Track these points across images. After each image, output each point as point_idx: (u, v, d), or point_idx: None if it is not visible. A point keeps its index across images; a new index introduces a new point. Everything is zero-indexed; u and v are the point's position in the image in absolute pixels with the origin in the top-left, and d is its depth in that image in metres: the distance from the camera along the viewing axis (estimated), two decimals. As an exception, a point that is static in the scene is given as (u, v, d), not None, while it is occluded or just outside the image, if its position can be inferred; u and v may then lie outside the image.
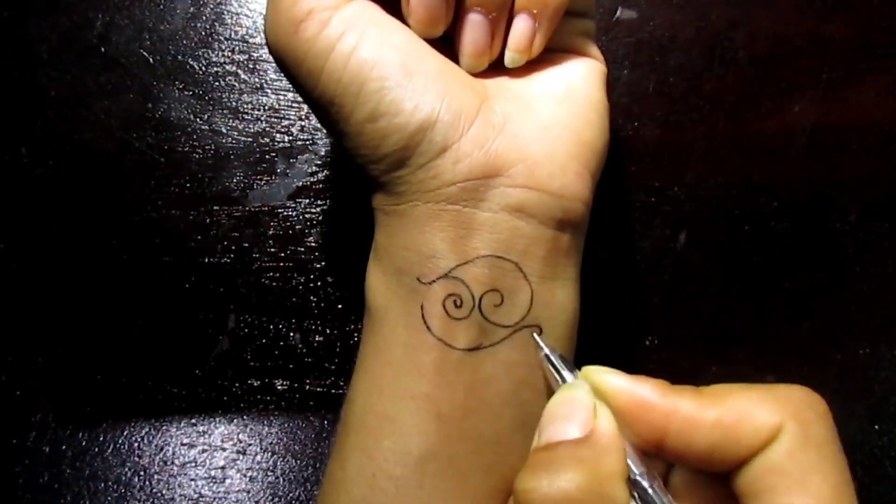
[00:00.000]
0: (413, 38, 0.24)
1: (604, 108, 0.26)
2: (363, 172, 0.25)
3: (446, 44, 0.26)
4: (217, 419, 0.34)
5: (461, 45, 0.25)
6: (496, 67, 0.27)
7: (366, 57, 0.23)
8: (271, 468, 0.34)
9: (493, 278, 0.24)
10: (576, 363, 0.33)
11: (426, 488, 0.23)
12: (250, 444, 0.34)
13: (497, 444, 0.24)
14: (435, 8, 0.24)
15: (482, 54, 0.25)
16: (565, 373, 0.23)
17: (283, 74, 0.25)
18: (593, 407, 0.21)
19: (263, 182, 0.35)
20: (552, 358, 0.23)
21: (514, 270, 0.24)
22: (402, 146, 0.23)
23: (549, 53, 0.27)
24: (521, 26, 0.25)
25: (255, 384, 0.34)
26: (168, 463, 0.34)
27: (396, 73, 0.23)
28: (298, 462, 0.34)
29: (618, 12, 0.36)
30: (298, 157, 0.35)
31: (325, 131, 0.35)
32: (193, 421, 0.34)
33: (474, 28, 0.25)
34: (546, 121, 0.25)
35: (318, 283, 0.35)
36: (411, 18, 0.25)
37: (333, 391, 0.34)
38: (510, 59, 0.26)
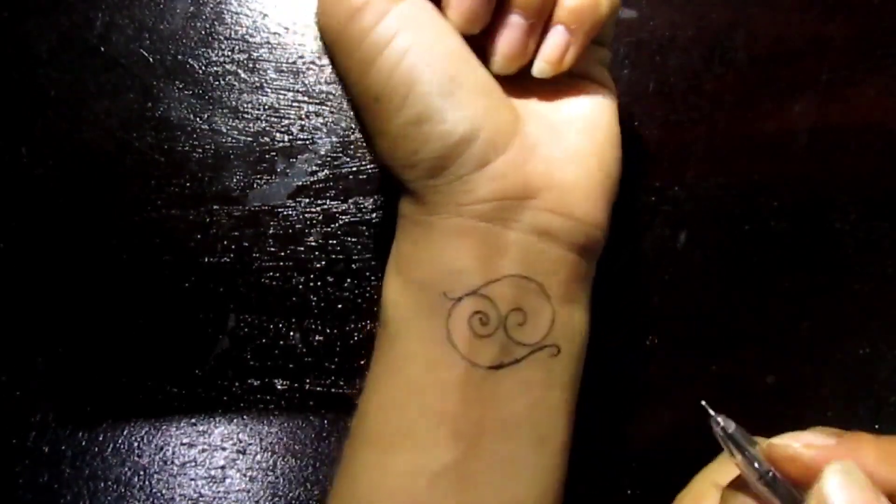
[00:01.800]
0: (463, 46, 0.24)
1: (619, 141, 0.27)
2: (394, 177, 0.25)
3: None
4: (217, 419, 0.34)
5: (496, 45, 0.25)
6: (523, 90, 0.27)
7: (418, 60, 0.23)
8: (271, 468, 0.34)
9: (519, 297, 0.24)
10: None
11: None
12: (250, 444, 0.34)
13: (511, 462, 0.24)
14: (478, 5, 0.24)
15: (516, 58, 0.25)
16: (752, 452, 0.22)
17: (329, 62, 0.25)
18: None
19: (263, 182, 0.35)
20: (737, 438, 0.22)
21: (538, 291, 0.24)
22: (441, 154, 0.23)
23: (571, 79, 0.27)
24: (556, 38, 0.25)
25: (255, 384, 0.34)
26: (168, 463, 0.34)
27: (445, 81, 0.23)
28: (298, 462, 0.34)
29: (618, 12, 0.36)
30: (298, 156, 0.35)
31: (325, 130, 0.35)
32: (193, 421, 0.34)
33: (512, 30, 0.24)
34: (573, 148, 0.25)
35: (318, 283, 0.35)
36: (451, 11, 0.24)
37: (333, 391, 0.34)
38: (539, 69, 0.25)
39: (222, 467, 0.34)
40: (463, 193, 0.24)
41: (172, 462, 0.34)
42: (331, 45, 0.24)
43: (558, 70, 0.25)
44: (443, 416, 0.23)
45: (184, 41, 0.36)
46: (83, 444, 0.34)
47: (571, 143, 0.25)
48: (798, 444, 0.20)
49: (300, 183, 0.35)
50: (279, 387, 0.34)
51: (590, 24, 0.24)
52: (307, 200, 0.35)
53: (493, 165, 0.23)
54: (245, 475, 0.34)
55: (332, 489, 0.26)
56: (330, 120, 0.35)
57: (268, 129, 0.35)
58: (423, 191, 0.24)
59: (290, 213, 0.35)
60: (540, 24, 0.25)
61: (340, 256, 0.35)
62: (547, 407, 0.24)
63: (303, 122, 0.35)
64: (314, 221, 0.35)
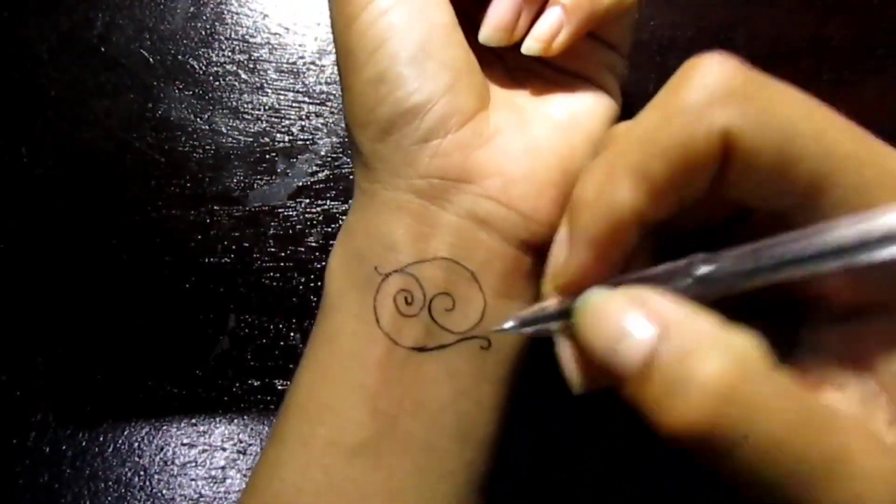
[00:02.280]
0: (448, 23, 0.24)
1: None
2: (351, 137, 0.25)
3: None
4: (217, 419, 0.34)
5: (487, 13, 0.25)
6: (511, 79, 0.26)
7: (394, 22, 0.23)
8: (271, 468, 0.34)
9: (448, 282, 0.24)
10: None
11: (354, 482, 0.23)
12: (251, 444, 0.34)
13: (429, 449, 0.23)
14: None
15: (504, 29, 0.25)
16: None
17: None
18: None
19: (264, 182, 0.35)
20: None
21: (469, 279, 0.24)
22: (390, 118, 0.23)
23: (568, 77, 0.26)
24: (550, 17, 0.24)
25: (256, 384, 0.34)
26: (168, 463, 0.34)
27: (414, 50, 0.23)
28: (299, 462, 0.34)
29: (618, 12, 0.36)
30: (299, 156, 0.35)
31: (325, 131, 0.35)
32: (194, 421, 0.34)
33: (507, 1, 0.24)
34: (538, 142, 0.25)
35: (319, 283, 0.35)
36: None
37: (334, 391, 0.34)
38: (528, 46, 0.25)
39: (223, 467, 0.34)
40: (404, 165, 0.24)
41: (173, 462, 0.34)
42: (332, 2, 0.25)
43: (548, 52, 0.25)
44: (365, 391, 0.23)
45: (184, 41, 0.36)
46: (83, 444, 0.34)
47: (537, 138, 0.25)
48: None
49: (300, 183, 0.35)
50: (279, 387, 0.34)
51: (587, 12, 0.24)
52: (307, 201, 0.35)
53: (438, 142, 0.23)
54: (245, 475, 0.34)
55: (261, 455, 0.25)
56: (330, 120, 0.36)
57: (268, 129, 0.35)
58: (371, 156, 0.24)
59: (291, 213, 0.35)
60: (535, 3, 0.25)
61: (341, 256, 0.35)
62: (474, 400, 0.24)
63: (303, 123, 0.35)
64: (314, 222, 0.35)
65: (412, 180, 0.24)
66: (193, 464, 0.34)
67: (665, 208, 0.18)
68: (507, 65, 0.27)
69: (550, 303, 0.20)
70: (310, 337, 0.26)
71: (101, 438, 0.34)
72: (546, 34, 0.25)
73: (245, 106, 0.36)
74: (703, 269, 0.17)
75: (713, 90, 0.17)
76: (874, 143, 0.17)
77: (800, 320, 0.19)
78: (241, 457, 0.34)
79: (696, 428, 0.15)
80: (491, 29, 0.25)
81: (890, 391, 0.16)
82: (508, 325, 0.21)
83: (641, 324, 0.16)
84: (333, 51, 0.36)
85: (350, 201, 0.35)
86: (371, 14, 0.23)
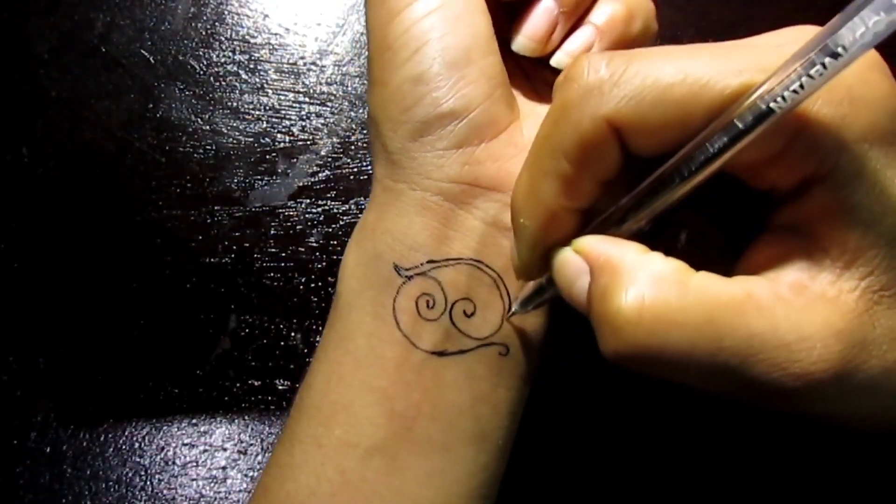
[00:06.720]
0: (488, 29, 0.24)
1: None
2: (378, 135, 0.25)
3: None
4: (218, 419, 0.34)
5: (524, 23, 0.25)
6: (535, 92, 0.27)
7: (439, 23, 0.23)
8: (272, 468, 0.34)
9: (470, 287, 0.24)
10: (574, 371, 0.33)
11: (369, 483, 0.23)
12: (251, 445, 0.34)
13: (445, 452, 0.24)
14: None
15: (539, 41, 0.25)
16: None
17: (365, 7, 0.25)
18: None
19: (264, 182, 0.35)
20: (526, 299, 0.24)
21: (491, 285, 0.24)
22: (426, 119, 0.23)
23: None
24: (582, 35, 0.25)
25: (257, 384, 0.34)
26: (169, 463, 0.34)
27: (458, 54, 0.23)
28: (299, 462, 0.34)
29: (618, 12, 0.36)
30: (299, 157, 0.35)
31: (325, 131, 0.35)
32: (194, 421, 0.34)
33: (544, 13, 0.25)
34: None
35: (319, 283, 0.35)
36: None
37: (334, 391, 0.34)
38: (557, 59, 0.25)
39: (223, 468, 0.34)
40: (435, 167, 0.24)
41: (174, 462, 0.34)
42: None
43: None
44: (381, 393, 0.23)
45: (185, 42, 0.36)
46: (84, 444, 0.34)
47: None
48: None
49: (301, 183, 0.35)
50: (280, 387, 0.34)
51: (617, 34, 0.25)
52: (308, 201, 0.35)
53: (472, 149, 0.23)
54: (246, 475, 0.34)
55: (271, 458, 0.25)
56: (331, 121, 0.36)
57: (269, 129, 0.35)
58: (400, 154, 0.24)
59: (291, 213, 0.35)
60: (571, 18, 0.25)
61: (341, 257, 0.35)
62: (491, 404, 0.24)
63: (303, 123, 0.35)
64: (315, 222, 0.35)
65: (442, 183, 0.24)
66: (194, 464, 0.34)
67: (588, 192, 0.20)
68: (530, 78, 0.27)
69: (533, 283, 0.23)
70: (322, 337, 0.26)
71: (102, 438, 0.34)
72: (578, 51, 0.25)
73: (245, 106, 0.36)
74: (624, 202, 0.20)
75: (585, 87, 0.19)
76: (736, 47, 0.19)
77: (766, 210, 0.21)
78: (242, 457, 0.34)
79: (623, 353, 0.18)
80: (526, 39, 0.25)
81: (831, 253, 0.18)
82: (515, 308, 0.23)
83: (580, 267, 0.19)
84: (333, 51, 0.36)
85: (350, 201, 0.35)
86: (416, 11, 0.23)
